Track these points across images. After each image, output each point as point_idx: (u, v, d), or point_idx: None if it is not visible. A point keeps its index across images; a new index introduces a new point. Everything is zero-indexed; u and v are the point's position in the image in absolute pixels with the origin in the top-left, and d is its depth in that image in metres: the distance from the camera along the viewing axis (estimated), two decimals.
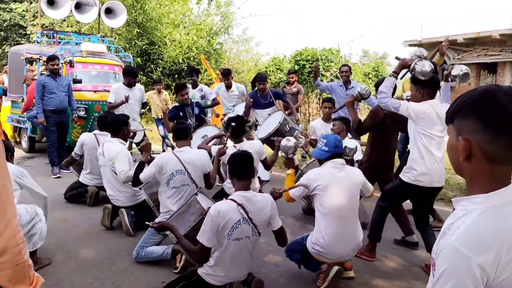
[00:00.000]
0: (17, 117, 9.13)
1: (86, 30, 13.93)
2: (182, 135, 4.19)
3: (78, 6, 9.13)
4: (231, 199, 2.95)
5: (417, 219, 4.03)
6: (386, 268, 3.99)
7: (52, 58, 7.17)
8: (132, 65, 9.66)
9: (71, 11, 9.02)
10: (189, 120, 6.15)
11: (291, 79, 8.53)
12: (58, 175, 7.13)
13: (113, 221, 4.83)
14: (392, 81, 4.02)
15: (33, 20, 13.35)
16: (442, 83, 4.48)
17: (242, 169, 3.04)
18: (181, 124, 4.35)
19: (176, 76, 14.89)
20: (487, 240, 1.08)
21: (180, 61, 14.49)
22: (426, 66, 3.75)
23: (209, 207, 2.95)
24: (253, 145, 4.89)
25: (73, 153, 5.93)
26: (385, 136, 4.56)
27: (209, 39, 15.61)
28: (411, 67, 3.82)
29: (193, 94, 7.07)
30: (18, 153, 9.14)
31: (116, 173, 4.69)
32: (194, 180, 4.00)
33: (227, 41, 17.20)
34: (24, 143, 9.30)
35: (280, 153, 4.08)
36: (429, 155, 3.73)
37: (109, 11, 9.50)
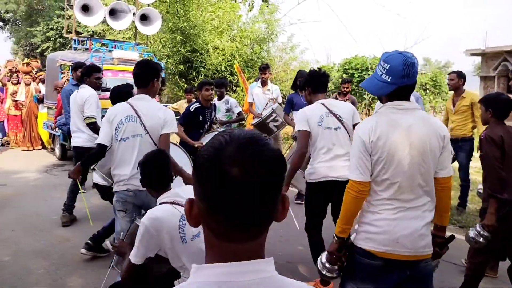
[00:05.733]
0: (52, 124, 9.09)
1: (127, 38, 13.95)
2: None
3: (113, 13, 8.99)
4: (165, 202, 2.55)
5: None
6: None
7: (79, 66, 6.60)
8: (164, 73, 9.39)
9: (104, 17, 8.88)
10: (206, 124, 5.70)
11: (345, 89, 7.49)
12: (83, 191, 6.61)
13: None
14: None
15: (77, 26, 13.57)
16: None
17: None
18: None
19: None
20: None
21: (223, 68, 14.14)
22: None
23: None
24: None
25: None
26: None
27: (253, 46, 15.18)
28: None
29: (219, 107, 6.63)
30: (50, 160, 9.12)
31: None
32: (148, 131, 3.17)
33: (271, 48, 16.68)
34: (57, 150, 9.28)
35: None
36: None
37: (144, 18, 9.30)
